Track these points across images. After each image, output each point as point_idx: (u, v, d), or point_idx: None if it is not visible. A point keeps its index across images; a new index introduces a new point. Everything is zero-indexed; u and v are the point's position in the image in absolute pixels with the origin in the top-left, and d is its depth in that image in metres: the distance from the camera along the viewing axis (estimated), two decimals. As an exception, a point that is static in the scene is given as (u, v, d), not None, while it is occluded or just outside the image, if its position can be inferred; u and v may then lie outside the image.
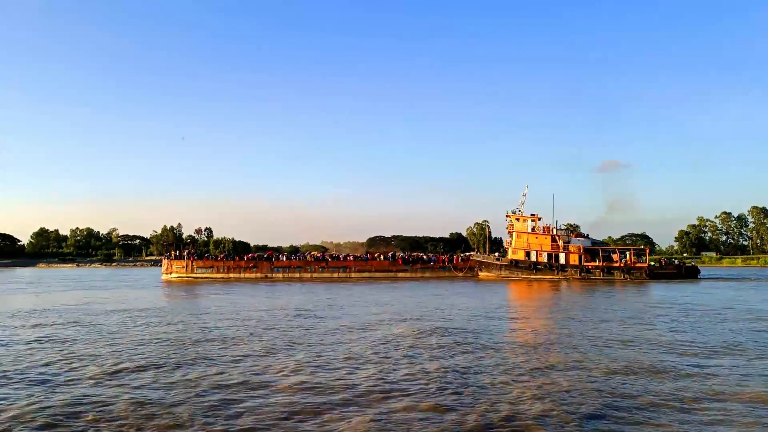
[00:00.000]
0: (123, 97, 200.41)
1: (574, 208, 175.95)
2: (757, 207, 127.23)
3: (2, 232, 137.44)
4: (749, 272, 70.77)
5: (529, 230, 52.50)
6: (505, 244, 57.49)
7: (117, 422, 7.89)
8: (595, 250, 51.74)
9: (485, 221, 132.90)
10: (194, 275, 53.07)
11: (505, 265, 52.61)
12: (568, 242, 51.77)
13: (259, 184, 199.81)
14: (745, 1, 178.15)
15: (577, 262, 50.43)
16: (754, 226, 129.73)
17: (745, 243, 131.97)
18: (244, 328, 17.38)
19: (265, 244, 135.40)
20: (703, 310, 22.76)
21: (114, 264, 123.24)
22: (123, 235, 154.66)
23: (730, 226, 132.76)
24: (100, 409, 8.49)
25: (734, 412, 8.43)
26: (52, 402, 8.82)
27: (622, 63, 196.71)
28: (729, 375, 10.75)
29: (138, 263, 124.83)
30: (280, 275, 53.48)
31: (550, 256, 51.08)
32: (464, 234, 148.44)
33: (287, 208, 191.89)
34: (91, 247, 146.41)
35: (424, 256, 61.16)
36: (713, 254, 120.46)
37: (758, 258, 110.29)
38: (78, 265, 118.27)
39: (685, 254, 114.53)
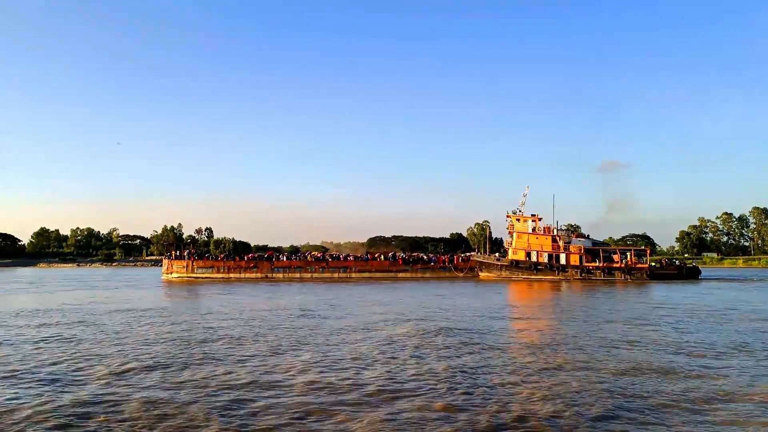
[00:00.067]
0: (123, 97, 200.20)
1: (575, 208, 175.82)
2: (758, 207, 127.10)
3: (3, 231, 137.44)
4: (751, 273, 70.71)
5: (530, 231, 52.42)
6: (505, 245, 57.41)
7: (129, 422, 7.88)
8: (595, 250, 51.66)
9: (486, 221, 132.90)
10: (195, 275, 52.99)
11: (506, 266, 52.53)
12: (569, 243, 51.69)
13: (259, 184, 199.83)
14: (745, 1, 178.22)
15: (577, 263, 50.34)
16: (755, 226, 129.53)
17: (747, 244, 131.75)
18: (248, 328, 17.39)
19: (266, 244, 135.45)
20: (707, 311, 22.74)
21: (114, 264, 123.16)
22: (123, 235, 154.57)
23: (731, 226, 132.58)
24: (112, 409, 8.49)
25: (745, 412, 8.43)
26: (63, 402, 8.81)
27: (622, 63, 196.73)
28: (739, 375, 10.75)
29: (138, 263, 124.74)
30: (280, 275, 53.39)
31: (550, 256, 51.00)
32: (465, 234, 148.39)
33: (287, 208, 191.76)
34: (91, 247, 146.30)
35: (425, 257, 61.07)
36: (714, 255, 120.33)
37: (759, 259, 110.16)
38: (78, 265, 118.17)
39: (686, 255, 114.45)
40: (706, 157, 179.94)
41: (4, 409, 8.43)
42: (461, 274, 54.70)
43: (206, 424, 7.75)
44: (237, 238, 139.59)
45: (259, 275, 53.27)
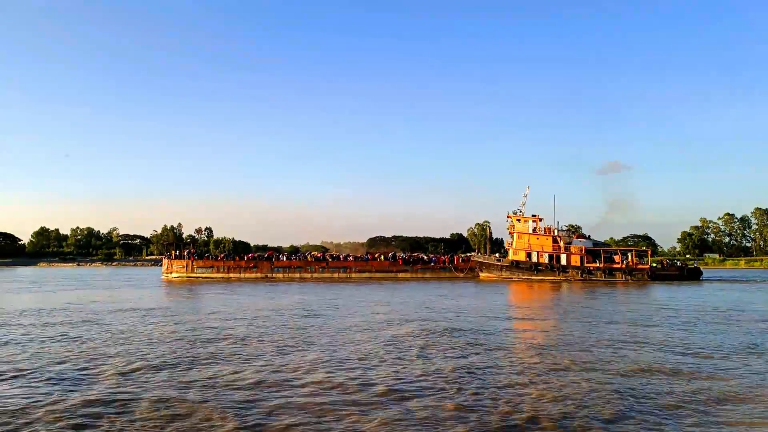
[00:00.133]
0: (123, 97, 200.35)
1: (575, 209, 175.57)
2: (760, 208, 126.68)
3: (3, 231, 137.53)
4: (753, 274, 70.52)
5: (530, 231, 52.25)
6: (506, 245, 57.26)
7: (141, 422, 7.86)
8: (596, 251, 51.47)
9: (486, 222, 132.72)
10: (194, 275, 52.90)
11: (506, 266, 52.34)
12: (570, 243, 51.52)
13: (259, 184, 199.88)
14: (746, 1, 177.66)
15: (578, 264, 50.15)
16: (757, 227, 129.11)
17: (748, 245, 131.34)
18: (253, 328, 17.38)
19: (266, 244, 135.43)
20: (713, 312, 22.70)
21: (114, 263, 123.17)
22: (123, 235, 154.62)
23: (733, 227, 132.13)
24: (123, 408, 8.47)
25: (757, 413, 8.40)
26: (73, 401, 8.79)
27: (622, 63, 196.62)
28: (749, 376, 10.73)
29: (138, 263, 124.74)
30: (280, 275, 53.29)
31: (551, 257, 50.81)
32: (465, 234, 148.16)
33: (287, 208, 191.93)
34: (91, 247, 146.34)
35: (425, 257, 60.94)
36: (716, 256, 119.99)
37: (761, 260, 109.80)
38: (78, 265, 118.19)
39: (687, 256, 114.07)
40: (707, 157, 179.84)
41: (15, 408, 8.41)
42: (461, 275, 54.53)
43: (221, 424, 7.72)
44: (237, 238, 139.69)
45: (259, 275, 53.16)
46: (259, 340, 14.76)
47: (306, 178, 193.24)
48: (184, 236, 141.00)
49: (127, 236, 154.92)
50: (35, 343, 14.23)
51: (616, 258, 51.51)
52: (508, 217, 54.14)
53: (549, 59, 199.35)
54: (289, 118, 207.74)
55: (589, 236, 54.87)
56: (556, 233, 51.86)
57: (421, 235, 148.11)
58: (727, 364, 11.85)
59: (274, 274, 53.29)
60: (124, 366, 11.36)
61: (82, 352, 13.01)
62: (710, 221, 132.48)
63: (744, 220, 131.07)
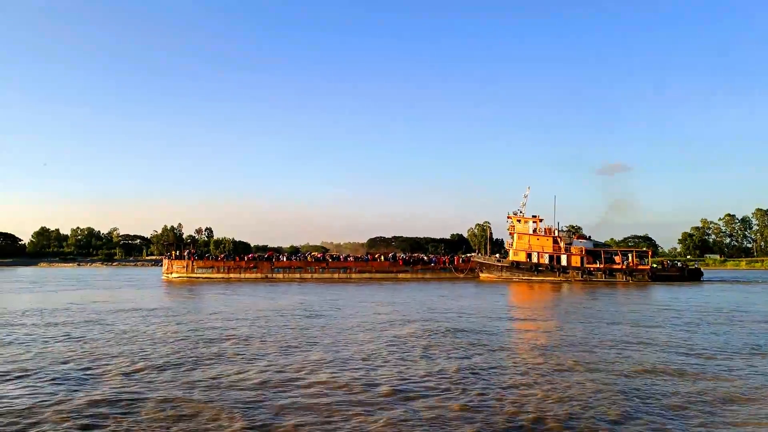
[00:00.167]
0: (123, 97, 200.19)
1: (575, 209, 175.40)
2: (761, 209, 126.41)
3: (3, 231, 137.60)
4: (754, 275, 70.42)
5: (531, 232, 52.19)
6: (506, 246, 57.17)
7: (147, 422, 7.85)
8: (597, 251, 51.40)
9: (486, 222, 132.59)
10: (195, 275, 52.88)
11: (507, 267, 52.28)
12: (570, 244, 51.46)
13: (259, 184, 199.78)
14: (746, 1, 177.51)
15: (578, 264, 50.08)
16: (758, 228, 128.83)
17: (749, 245, 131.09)
18: (255, 328, 17.38)
19: (266, 244, 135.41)
20: (715, 313, 22.70)
21: (115, 264, 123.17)
22: (124, 235, 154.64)
23: (734, 228, 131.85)
24: (129, 408, 8.46)
25: (763, 413, 8.40)
26: (78, 402, 8.78)
27: (622, 63, 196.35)
28: (754, 377, 10.73)
29: (139, 263, 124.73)
30: (280, 275, 53.26)
31: (551, 257, 50.74)
32: (465, 235, 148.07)
33: (287, 209, 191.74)
34: (91, 247, 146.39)
35: (425, 257, 60.88)
36: (717, 256, 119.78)
37: (762, 260, 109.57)
38: (79, 265, 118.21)
39: (688, 256, 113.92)
40: (708, 157, 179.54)
41: (21, 407, 8.41)
42: (461, 275, 54.47)
43: (228, 425, 7.71)
44: (237, 239, 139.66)
45: (259, 275, 53.14)
46: (261, 341, 14.77)
47: (306, 178, 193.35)
48: (184, 236, 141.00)
49: (127, 236, 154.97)
50: (39, 343, 14.24)
51: (617, 259, 51.44)
52: (508, 217, 54.10)
53: (549, 59, 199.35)
54: (289, 118, 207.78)
55: (589, 237, 54.80)
56: (556, 234, 51.79)
57: (422, 236, 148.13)
58: (732, 364, 11.85)
59: (274, 275, 53.26)
60: (128, 366, 11.37)
61: (85, 352, 13.01)
62: (711, 222, 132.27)
63: (745, 221, 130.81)
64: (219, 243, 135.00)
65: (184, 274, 53.00)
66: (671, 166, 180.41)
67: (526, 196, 53.60)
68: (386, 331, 16.85)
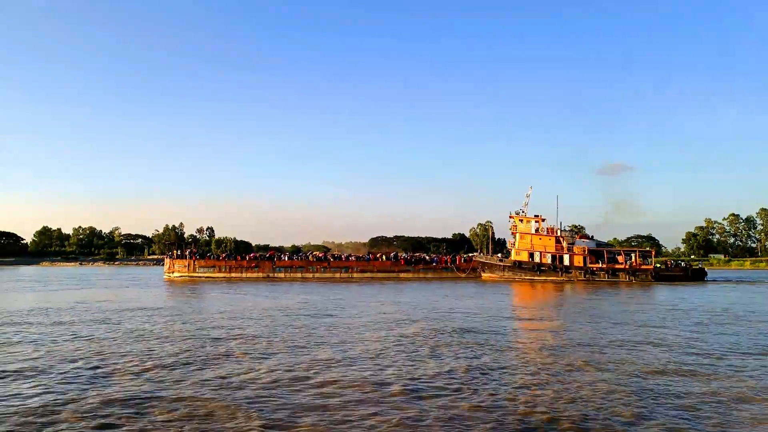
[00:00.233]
0: (123, 97, 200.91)
1: (576, 209, 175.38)
2: (765, 209, 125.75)
3: (5, 230, 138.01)
4: (758, 275, 70.04)
5: (533, 231, 51.94)
6: (508, 245, 56.91)
7: (161, 422, 7.82)
8: (599, 251, 51.10)
9: (488, 222, 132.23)
10: (196, 274, 52.85)
11: (509, 267, 52.03)
12: (573, 244, 51.20)
13: (259, 183, 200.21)
14: (747, 1, 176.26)
15: (581, 264, 49.81)
16: (762, 228, 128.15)
17: (754, 245, 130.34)
18: (262, 327, 17.36)
19: (267, 243, 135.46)
20: (722, 313, 22.57)
21: (117, 263, 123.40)
22: (125, 234, 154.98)
23: (738, 228, 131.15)
24: (141, 407, 8.44)
25: None
26: (91, 401, 8.76)
27: (622, 63, 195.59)
28: (767, 377, 10.67)
29: (140, 262, 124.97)
30: (282, 275, 53.17)
31: (554, 257, 50.47)
32: (467, 235, 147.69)
33: (287, 208, 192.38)
34: (93, 246, 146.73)
35: (427, 257, 60.66)
36: (721, 256, 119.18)
37: (767, 260, 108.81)
38: (81, 264, 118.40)
39: (692, 256, 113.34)
40: (711, 158, 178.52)
41: (35, 405, 8.38)
42: (463, 275, 54.26)
43: (246, 424, 7.67)
44: (238, 238, 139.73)
45: (260, 275, 53.06)
46: (268, 340, 14.75)
47: (306, 178, 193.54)
48: (185, 236, 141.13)
49: (129, 236, 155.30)
50: (47, 342, 14.24)
51: (620, 258, 51.16)
52: (510, 217, 53.84)
53: (549, 59, 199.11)
54: (289, 118, 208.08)
55: (592, 237, 54.51)
56: (559, 233, 51.48)
57: (423, 235, 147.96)
58: (744, 364, 11.80)
59: (275, 274, 53.18)
60: (137, 365, 11.36)
61: (94, 351, 13.01)
62: (715, 222, 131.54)
63: (749, 221, 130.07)
64: (220, 242, 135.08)
65: (186, 274, 52.96)
66: (672, 165, 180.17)
67: (528, 196, 53.42)
68: (392, 330, 16.82)
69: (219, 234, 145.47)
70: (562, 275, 49.73)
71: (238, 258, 56.85)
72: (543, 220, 52.24)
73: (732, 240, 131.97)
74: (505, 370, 11.11)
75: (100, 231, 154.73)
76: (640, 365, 11.55)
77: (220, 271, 53.29)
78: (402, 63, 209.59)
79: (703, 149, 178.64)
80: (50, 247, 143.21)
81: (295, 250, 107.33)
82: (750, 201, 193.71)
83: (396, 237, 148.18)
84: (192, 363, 11.58)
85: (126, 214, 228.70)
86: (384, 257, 57.48)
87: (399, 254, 61.04)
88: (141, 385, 9.67)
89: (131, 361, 11.79)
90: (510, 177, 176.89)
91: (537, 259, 50.93)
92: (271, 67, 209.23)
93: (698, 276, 51.11)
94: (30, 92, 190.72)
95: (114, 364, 11.48)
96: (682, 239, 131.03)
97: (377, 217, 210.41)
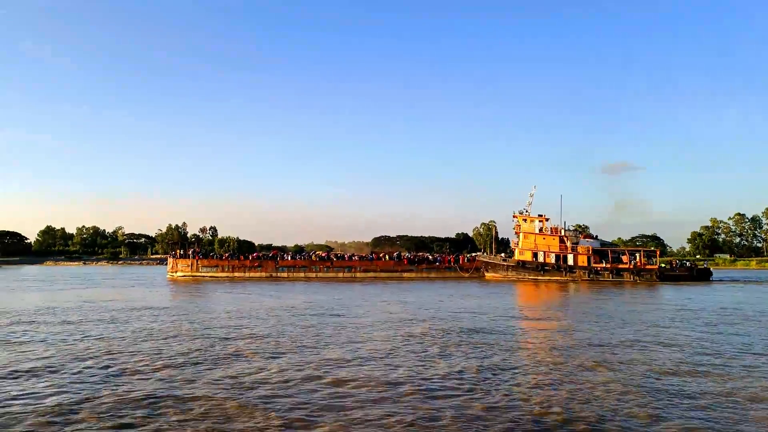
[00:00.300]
0: (123, 97, 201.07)
1: (577, 209, 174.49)
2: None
3: (9, 230, 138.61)
4: (765, 275, 69.55)
5: (537, 231, 51.73)
6: (512, 245, 56.73)
7: (175, 420, 7.80)
8: (604, 251, 50.85)
9: (492, 221, 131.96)
10: (200, 274, 52.88)
11: (512, 266, 51.82)
12: (577, 243, 50.91)
13: (259, 183, 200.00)
14: (747, 1, 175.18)
15: (585, 264, 49.56)
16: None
17: (759, 245, 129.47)
18: (269, 327, 17.36)
19: (270, 243, 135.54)
20: (732, 313, 22.46)
21: (120, 262, 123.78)
22: (129, 234, 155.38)
23: (743, 227, 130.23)
24: (155, 405, 8.42)
25: None
26: (105, 399, 8.77)
27: (622, 63, 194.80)
28: None
29: (144, 261, 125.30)
30: (285, 274, 53.14)
31: (558, 257, 50.24)
32: (470, 234, 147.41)
33: (287, 208, 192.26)
34: (97, 246, 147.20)
35: (430, 257, 60.51)
36: (727, 256, 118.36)
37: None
38: (84, 263, 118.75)
39: (698, 256, 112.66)
40: (715, 157, 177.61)
41: (51, 404, 8.38)
42: (466, 275, 54.09)
43: (247, 419, 7.65)
44: (241, 237, 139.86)
45: (263, 274, 53.05)
46: (277, 339, 14.73)
47: (306, 178, 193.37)
48: (188, 235, 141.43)
49: (132, 235, 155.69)
50: (57, 342, 14.24)
51: (624, 258, 50.87)
52: (514, 216, 53.65)
53: (549, 59, 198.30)
54: (289, 118, 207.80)
55: (596, 236, 54.26)
56: (562, 233, 51.23)
57: (426, 235, 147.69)
58: (758, 364, 11.72)
59: (278, 274, 53.16)
60: (148, 364, 11.36)
61: (104, 350, 13.01)
62: (721, 221, 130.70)
63: (755, 220, 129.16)
64: (223, 242, 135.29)
65: (189, 273, 52.99)
66: (673, 165, 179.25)
67: (532, 195, 53.18)
68: (400, 330, 16.79)
69: (220, 233, 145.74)
70: (565, 275, 49.49)
71: (241, 258, 56.86)
72: (547, 219, 52.01)
73: (738, 240, 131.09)
74: (516, 371, 11.06)
75: (104, 230, 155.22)
76: (652, 365, 11.48)
77: (223, 271, 53.30)
78: (402, 63, 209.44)
79: (703, 149, 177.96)
80: (54, 246, 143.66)
81: (298, 250, 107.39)
82: (755, 201, 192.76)
83: (399, 237, 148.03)
84: (202, 362, 11.58)
85: (126, 214, 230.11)
86: (387, 257, 57.38)
87: (402, 254, 60.93)
88: (154, 385, 9.67)
89: (141, 360, 11.79)
90: (510, 177, 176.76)
91: (541, 258, 50.70)
92: (271, 67, 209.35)
93: (703, 276, 50.76)
94: (30, 92, 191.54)
95: (125, 363, 11.49)
96: (688, 239, 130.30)
97: (379, 217, 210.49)
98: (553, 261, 50.27)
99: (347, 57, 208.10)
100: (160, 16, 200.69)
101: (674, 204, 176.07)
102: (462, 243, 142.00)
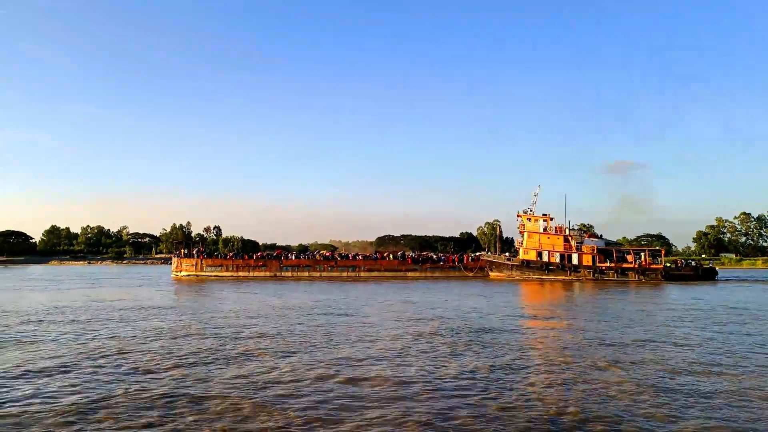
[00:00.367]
0: (123, 97, 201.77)
1: (587, 208, 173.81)
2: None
3: (15, 229, 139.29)
4: (770, 274, 68.76)
5: (541, 230, 51.60)
6: (516, 244, 56.57)
7: (191, 419, 7.80)
8: (608, 250, 50.66)
9: (496, 221, 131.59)
10: (204, 273, 53.00)
11: (516, 266, 51.71)
12: (581, 243, 50.76)
13: (259, 183, 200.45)
14: (747, 1, 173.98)
15: (590, 263, 49.40)
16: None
17: (765, 244, 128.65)
18: (278, 326, 17.38)
19: (274, 242, 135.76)
20: (741, 312, 22.36)
21: (125, 262, 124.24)
22: (133, 233, 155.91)
23: (749, 227, 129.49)
24: (171, 404, 8.42)
25: None
26: (120, 399, 8.79)
27: (623, 63, 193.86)
28: None
29: (148, 261, 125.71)
30: (289, 274, 53.21)
31: (562, 256, 50.09)
32: (475, 234, 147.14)
33: (287, 208, 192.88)
34: (101, 245, 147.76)
35: (434, 256, 60.44)
36: (732, 256, 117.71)
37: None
38: (89, 263, 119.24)
39: (703, 255, 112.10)
40: (712, 158, 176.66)
41: (68, 403, 8.39)
42: (471, 274, 54.02)
43: (261, 417, 7.64)
44: (245, 237, 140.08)
45: (267, 274, 53.12)
46: (286, 339, 14.75)
47: (306, 178, 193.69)
48: (193, 235, 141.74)
49: (136, 234, 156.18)
50: (69, 341, 14.29)
51: (629, 258, 50.67)
52: (518, 216, 53.51)
53: (549, 59, 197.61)
54: (289, 118, 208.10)
55: (601, 236, 54.05)
56: (567, 232, 51.06)
57: (431, 234, 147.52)
58: None
59: (282, 273, 53.22)
60: (160, 363, 11.36)
61: (116, 349, 13.04)
62: (726, 221, 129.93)
63: (761, 220, 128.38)
64: (228, 241, 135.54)
65: (194, 273, 53.13)
66: (674, 165, 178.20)
67: (536, 195, 53.05)
68: (409, 329, 16.79)
69: (226, 233, 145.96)
70: (570, 274, 49.34)
71: (246, 257, 56.95)
72: (551, 219, 51.86)
73: (743, 239, 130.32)
74: (528, 370, 11.03)
75: (108, 230, 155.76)
76: (665, 365, 11.44)
77: (227, 270, 53.40)
78: (402, 63, 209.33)
79: (703, 149, 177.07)
80: (58, 246, 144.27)
81: (303, 249, 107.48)
82: (759, 200, 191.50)
83: (403, 236, 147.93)
84: (214, 362, 11.59)
85: (127, 214, 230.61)
86: (391, 256, 57.34)
87: (406, 253, 60.87)
88: (168, 384, 9.69)
89: (153, 359, 11.82)
90: (510, 177, 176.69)
91: (545, 258, 50.56)
92: (271, 67, 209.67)
93: (709, 275, 50.51)
94: (30, 92, 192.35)
95: (137, 362, 11.51)
96: (693, 238, 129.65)
97: (385, 216, 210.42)
98: (557, 260, 50.11)
99: (347, 57, 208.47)
100: (160, 16, 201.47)
101: (680, 203, 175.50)
102: (466, 242, 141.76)
